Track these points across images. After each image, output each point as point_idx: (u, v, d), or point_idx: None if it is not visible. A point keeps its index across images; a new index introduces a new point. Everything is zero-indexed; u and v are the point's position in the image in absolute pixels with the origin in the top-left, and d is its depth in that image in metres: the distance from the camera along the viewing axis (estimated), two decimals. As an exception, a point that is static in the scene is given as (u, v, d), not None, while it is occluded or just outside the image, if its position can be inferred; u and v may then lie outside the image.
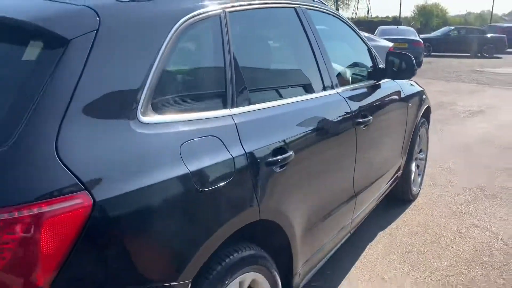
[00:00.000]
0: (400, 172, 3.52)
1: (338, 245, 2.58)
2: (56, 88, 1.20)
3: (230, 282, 1.54)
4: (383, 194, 3.24)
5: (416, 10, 71.91)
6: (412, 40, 14.99)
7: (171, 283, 1.32)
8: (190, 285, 1.38)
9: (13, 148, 1.10)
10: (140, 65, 1.40)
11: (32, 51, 1.29)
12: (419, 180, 4.04)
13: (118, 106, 1.32)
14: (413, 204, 3.87)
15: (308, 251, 2.11)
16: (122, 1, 1.47)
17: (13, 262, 1.05)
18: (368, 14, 66.05)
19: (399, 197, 3.78)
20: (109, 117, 1.29)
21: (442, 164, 4.92)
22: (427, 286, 2.69)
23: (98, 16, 1.35)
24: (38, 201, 1.06)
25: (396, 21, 52.07)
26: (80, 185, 1.12)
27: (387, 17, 66.93)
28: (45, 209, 1.06)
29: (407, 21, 48.81)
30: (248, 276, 1.67)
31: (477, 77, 12.95)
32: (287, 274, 1.94)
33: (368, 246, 3.14)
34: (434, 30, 28.74)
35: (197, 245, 1.40)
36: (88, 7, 1.38)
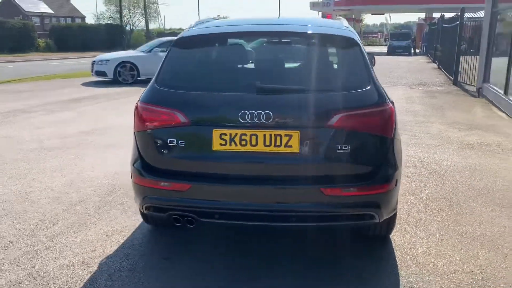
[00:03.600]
0: None
1: None
2: (366, 64, 2.93)
3: None
4: None
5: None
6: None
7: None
8: None
9: (372, 88, 2.82)
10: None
11: (342, 48, 3.00)
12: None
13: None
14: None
15: None
16: (346, 27, 3.23)
17: (381, 125, 2.78)
18: (163, 25, 69.35)
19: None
20: None
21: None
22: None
23: (353, 35, 3.11)
24: (388, 102, 2.83)
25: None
26: (388, 100, 2.91)
27: (180, 28, 71.05)
28: (388, 105, 2.84)
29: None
30: None
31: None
32: None
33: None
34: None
35: None
36: (345, 30, 3.13)
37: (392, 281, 2.90)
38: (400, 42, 35.76)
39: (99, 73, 14.11)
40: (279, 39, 3.11)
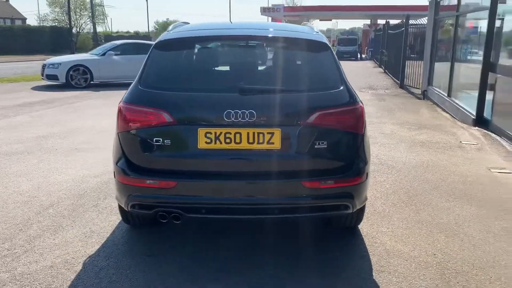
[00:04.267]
0: None
1: None
2: (337, 66, 3.17)
3: None
4: None
5: (157, 26, 77.36)
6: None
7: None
8: None
9: (344, 89, 3.06)
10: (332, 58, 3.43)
11: (315, 52, 3.22)
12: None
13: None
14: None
15: None
16: (316, 32, 3.47)
17: (353, 123, 3.03)
18: (109, 28, 67.84)
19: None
20: None
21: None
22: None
23: (324, 39, 3.35)
24: (359, 101, 3.08)
25: (140, 36, 55.11)
26: (358, 100, 3.16)
27: (128, 31, 69.91)
28: (359, 105, 3.09)
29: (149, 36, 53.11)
30: None
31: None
32: None
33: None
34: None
35: None
36: (316, 34, 3.36)
37: (365, 265, 3.15)
38: (348, 47, 37.04)
39: (50, 77, 13.67)
40: (257, 43, 3.30)
